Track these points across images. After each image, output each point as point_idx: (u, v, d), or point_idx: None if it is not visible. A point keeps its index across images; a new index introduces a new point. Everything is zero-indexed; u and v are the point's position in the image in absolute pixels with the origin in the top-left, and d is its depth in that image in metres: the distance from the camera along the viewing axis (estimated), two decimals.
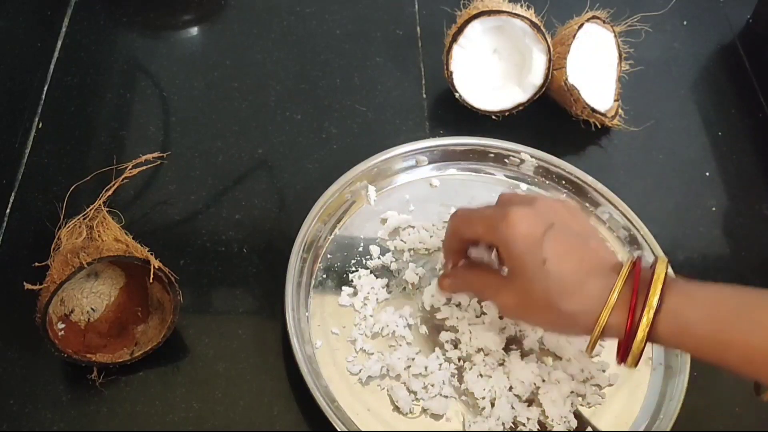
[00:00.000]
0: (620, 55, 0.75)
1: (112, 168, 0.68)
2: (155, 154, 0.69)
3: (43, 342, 0.54)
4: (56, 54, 0.76)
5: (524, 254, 0.51)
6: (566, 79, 0.70)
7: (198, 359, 0.59)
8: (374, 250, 0.65)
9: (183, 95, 0.74)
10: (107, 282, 0.59)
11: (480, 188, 0.70)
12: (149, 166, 0.69)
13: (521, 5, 0.72)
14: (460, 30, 0.71)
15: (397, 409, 0.58)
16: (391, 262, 0.65)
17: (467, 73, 0.73)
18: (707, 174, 0.74)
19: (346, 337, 0.61)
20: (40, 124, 0.71)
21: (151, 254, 0.54)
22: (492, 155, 0.71)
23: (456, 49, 0.72)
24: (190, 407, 0.57)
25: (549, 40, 0.71)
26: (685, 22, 0.86)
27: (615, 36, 0.74)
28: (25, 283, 0.53)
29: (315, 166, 0.70)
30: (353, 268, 0.64)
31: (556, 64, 0.72)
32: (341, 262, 0.65)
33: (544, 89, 0.72)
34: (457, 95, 0.73)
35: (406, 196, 0.69)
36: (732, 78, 0.82)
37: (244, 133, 0.72)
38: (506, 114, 0.74)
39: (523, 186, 0.71)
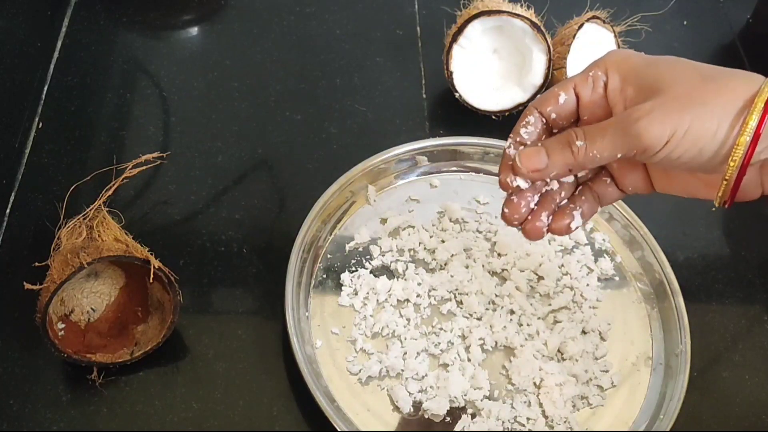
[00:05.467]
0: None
1: (112, 168, 0.68)
2: (155, 154, 0.69)
3: (43, 342, 0.54)
4: (56, 54, 0.76)
5: (648, 65, 0.45)
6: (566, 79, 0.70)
7: (198, 359, 0.59)
8: (374, 250, 0.65)
9: (183, 95, 0.74)
10: (107, 282, 0.59)
11: (480, 188, 0.70)
12: (149, 166, 0.69)
13: (521, 5, 0.72)
14: (460, 30, 0.71)
15: (397, 409, 0.58)
16: (391, 262, 0.65)
17: (467, 73, 0.73)
18: None
19: (346, 337, 0.61)
20: (40, 124, 0.71)
21: (151, 254, 0.54)
22: (492, 155, 0.71)
23: (456, 49, 0.72)
24: (190, 407, 0.57)
25: (549, 40, 0.71)
26: (685, 22, 0.86)
27: (615, 36, 0.73)
28: (25, 283, 0.53)
29: (315, 166, 0.70)
30: (353, 268, 0.64)
31: (556, 64, 0.72)
32: (341, 262, 0.65)
33: (544, 89, 0.72)
34: (457, 95, 0.73)
35: (406, 196, 0.69)
36: None
37: (244, 133, 0.72)
38: (506, 114, 0.74)
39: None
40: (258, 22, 0.80)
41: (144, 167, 0.69)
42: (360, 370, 0.59)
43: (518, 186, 0.48)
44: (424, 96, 0.76)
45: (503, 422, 0.57)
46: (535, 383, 0.59)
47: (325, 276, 0.64)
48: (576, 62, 0.71)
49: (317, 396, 0.55)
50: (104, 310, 0.59)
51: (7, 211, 0.66)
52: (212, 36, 0.80)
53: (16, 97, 0.70)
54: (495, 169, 0.71)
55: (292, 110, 0.74)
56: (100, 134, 0.71)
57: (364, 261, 0.65)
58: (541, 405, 0.59)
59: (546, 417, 0.58)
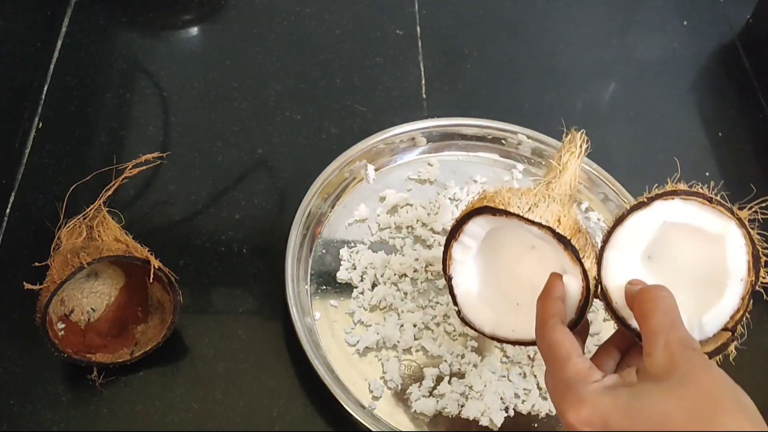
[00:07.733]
0: (755, 257, 0.45)
1: (112, 168, 0.68)
2: (155, 154, 0.69)
3: (43, 342, 0.54)
4: (56, 54, 0.76)
5: None
6: (599, 285, 0.48)
7: (198, 359, 0.59)
8: (373, 226, 0.67)
9: (183, 95, 0.74)
10: (107, 282, 0.59)
11: (477, 169, 0.71)
12: (149, 166, 0.69)
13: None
14: (459, 226, 0.52)
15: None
16: (389, 238, 0.66)
17: (473, 281, 0.55)
18: (707, 174, 0.74)
19: (344, 309, 0.62)
20: (40, 124, 0.71)
21: (151, 254, 0.54)
22: (489, 136, 0.72)
23: (456, 248, 0.53)
24: (190, 407, 0.57)
25: (589, 259, 0.48)
26: (685, 22, 0.86)
27: (740, 226, 0.45)
28: (25, 283, 0.53)
29: (315, 167, 0.70)
30: (352, 244, 0.66)
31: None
32: (340, 238, 0.66)
33: (576, 324, 0.50)
34: (456, 309, 0.55)
35: (404, 175, 0.70)
36: (732, 78, 0.82)
37: (244, 133, 0.72)
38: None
39: (520, 166, 0.72)
40: (258, 22, 0.80)
41: (144, 167, 0.68)
42: (357, 341, 0.60)
43: None
44: (424, 96, 0.76)
45: (501, 396, 0.59)
46: (529, 356, 0.61)
47: (324, 251, 0.65)
48: (635, 263, 0.48)
49: (316, 365, 0.56)
50: (104, 310, 0.59)
51: (7, 211, 0.66)
52: (212, 36, 0.80)
53: (16, 97, 0.70)
54: (492, 149, 0.72)
55: (292, 110, 0.74)
56: (100, 134, 0.71)
57: (362, 237, 0.66)
58: (535, 376, 0.60)
59: (540, 389, 0.59)
